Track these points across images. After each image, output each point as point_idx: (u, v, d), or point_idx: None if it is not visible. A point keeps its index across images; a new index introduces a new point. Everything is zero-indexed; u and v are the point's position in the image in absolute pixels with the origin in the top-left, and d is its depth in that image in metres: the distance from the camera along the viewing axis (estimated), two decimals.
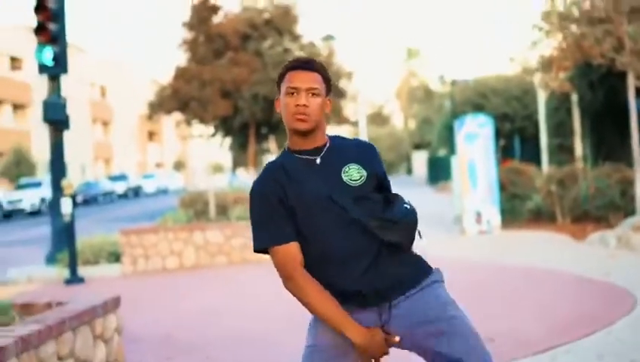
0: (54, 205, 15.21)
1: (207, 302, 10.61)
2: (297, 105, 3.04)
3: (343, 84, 22.83)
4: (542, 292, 10.18)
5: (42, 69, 14.65)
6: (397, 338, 2.94)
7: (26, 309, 6.40)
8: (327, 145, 3.13)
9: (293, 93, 3.07)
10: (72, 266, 13.29)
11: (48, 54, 14.46)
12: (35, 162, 48.24)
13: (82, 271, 13.71)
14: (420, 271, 3.08)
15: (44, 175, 44.17)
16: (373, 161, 3.14)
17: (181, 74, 16.57)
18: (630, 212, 16.29)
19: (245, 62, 17.47)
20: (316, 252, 3.03)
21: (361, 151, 3.15)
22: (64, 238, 14.18)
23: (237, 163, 64.47)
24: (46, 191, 38.62)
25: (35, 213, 38.74)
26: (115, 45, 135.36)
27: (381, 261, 2.98)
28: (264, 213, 3.07)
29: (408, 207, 3.12)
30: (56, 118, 14.86)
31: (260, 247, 3.13)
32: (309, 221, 3.03)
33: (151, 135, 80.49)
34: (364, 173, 3.07)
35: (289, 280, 3.06)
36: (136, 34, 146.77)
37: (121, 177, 54.99)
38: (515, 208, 18.75)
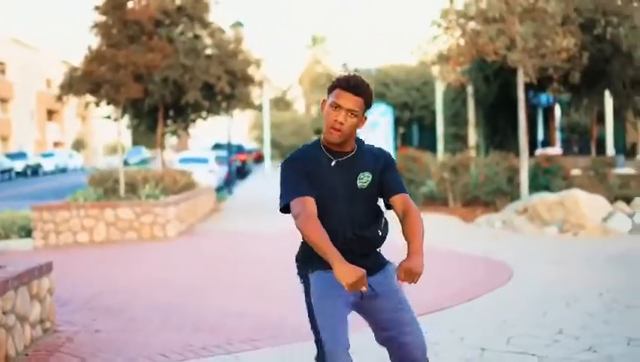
0: None
1: (121, 273, 11.26)
2: (335, 120, 3.61)
3: (251, 70, 23.54)
4: (433, 266, 11.17)
5: None
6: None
7: None
8: (351, 153, 3.75)
9: (335, 109, 3.63)
10: None
11: None
12: None
13: None
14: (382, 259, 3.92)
15: None
16: (380, 167, 3.78)
17: (95, 57, 16.98)
18: (515, 197, 17.57)
19: (159, 48, 18.03)
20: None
21: (375, 160, 3.80)
22: None
23: (137, 143, 64.29)
24: None
25: None
26: (16, 23, 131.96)
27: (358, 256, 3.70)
28: (292, 180, 3.67)
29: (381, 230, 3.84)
30: None
31: (285, 202, 3.66)
32: (318, 202, 3.64)
33: (50, 114, 79.20)
34: (370, 178, 3.74)
35: (298, 217, 3.57)
36: (40, 12, 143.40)
37: (20, 155, 54.22)
38: (411, 192, 19.83)
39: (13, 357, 6.11)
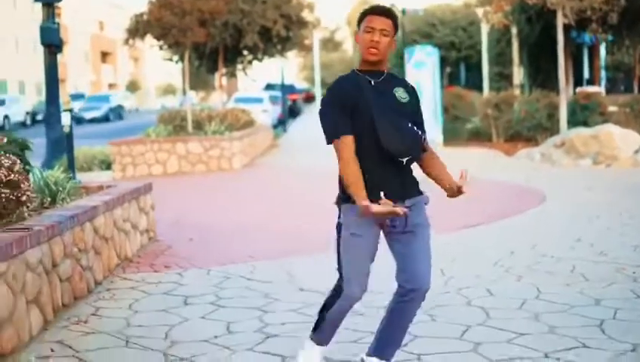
0: (49, 118, 16.99)
1: (199, 199, 12.77)
2: (372, 40, 3.91)
3: (304, 14, 24.77)
4: (475, 192, 12.52)
5: None
6: (401, 211, 3.73)
7: (85, 190, 8.42)
8: (385, 75, 4.01)
9: (369, 32, 3.92)
10: (71, 170, 15.14)
11: None
12: None
13: (78, 176, 15.57)
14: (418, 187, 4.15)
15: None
16: (413, 95, 4.08)
17: (162, 4, 18.42)
18: (555, 132, 18.68)
19: None
20: (368, 146, 3.90)
21: (406, 86, 4.09)
22: (59, 148, 16.02)
23: (192, 87, 65.59)
24: (8, 110, 40.63)
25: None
26: None
27: (405, 170, 4.00)
28: (332, 118, 3.94)
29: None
30: (51, 42, 16.53)
31: (328, 142, 3.94)
32: (365, 122, 3.87)
33: (104, 56, 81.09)
34: (408, 97, 4.04)
35: (341, 159, 3.88)
36: None
37: (79, 96, 56.23)
38: (457, 128, 21.11)
39: (130, 257, 7.61)
